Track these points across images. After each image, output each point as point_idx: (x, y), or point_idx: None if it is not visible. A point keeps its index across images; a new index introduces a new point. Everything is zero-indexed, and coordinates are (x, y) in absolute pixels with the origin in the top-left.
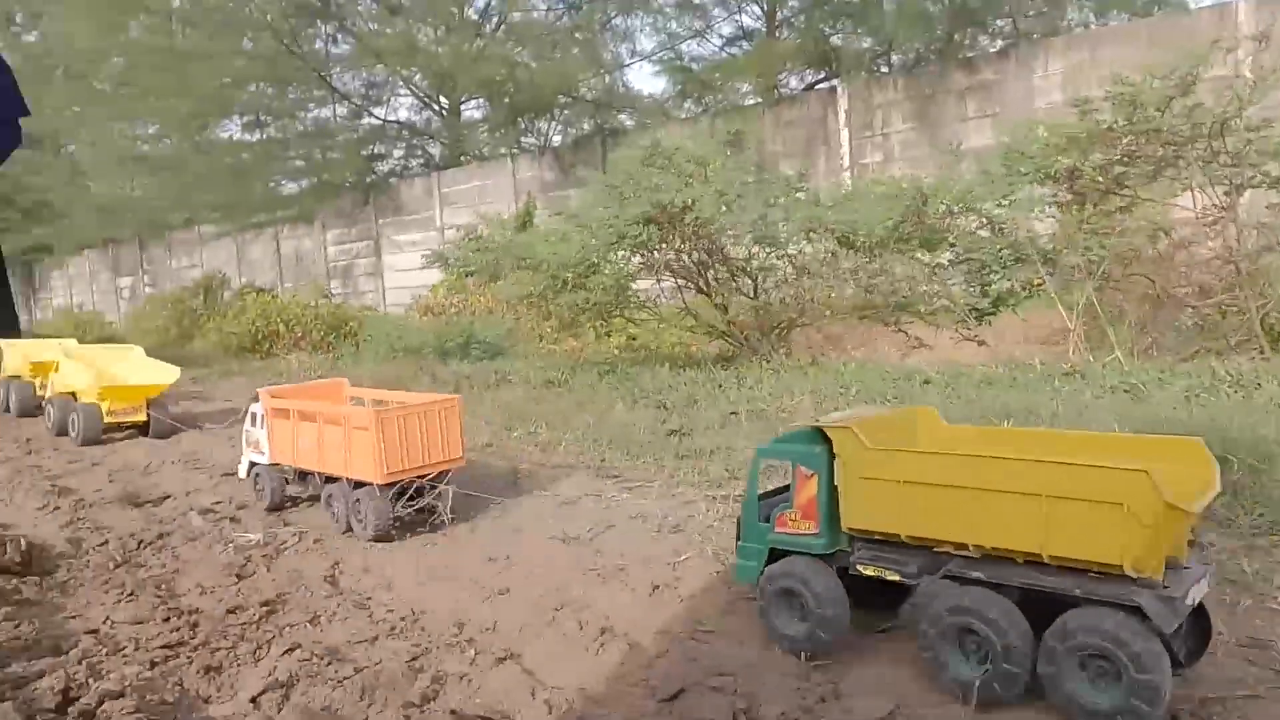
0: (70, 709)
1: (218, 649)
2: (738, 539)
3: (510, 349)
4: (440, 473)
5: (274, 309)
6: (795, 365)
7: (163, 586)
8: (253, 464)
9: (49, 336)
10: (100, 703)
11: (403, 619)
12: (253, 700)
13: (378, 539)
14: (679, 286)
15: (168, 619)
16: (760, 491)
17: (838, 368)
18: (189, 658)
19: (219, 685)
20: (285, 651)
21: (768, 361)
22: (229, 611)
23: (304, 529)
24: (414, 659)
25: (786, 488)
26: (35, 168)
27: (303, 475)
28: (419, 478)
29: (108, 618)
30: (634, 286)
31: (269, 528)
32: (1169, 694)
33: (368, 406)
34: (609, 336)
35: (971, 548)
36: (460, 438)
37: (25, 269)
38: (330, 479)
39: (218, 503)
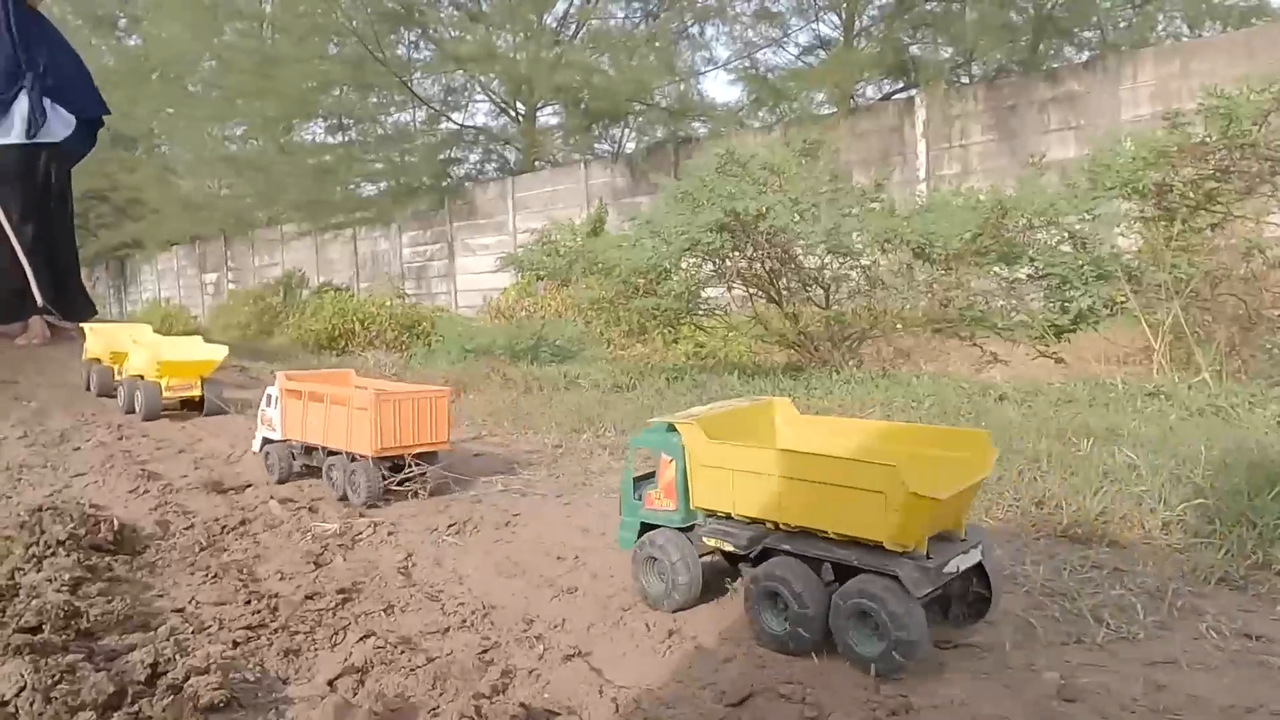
0: (159, 682)
1: (296, 633)
2: (620, 514)
3: (579, 353)
4: (428, 453)
5: (350, 307)
6: (866, 377)
7: (244, 571)
8: (266, 440)
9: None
10: (187, 677)
11: (473, 612)
12: (329, 683)
13: (368, 506)
14: (750, 295)
15: (249, 602)
16: (637, 474)
17: (910, 380)
18: (269, 640)
19: (297, 667)
20: (360, 639)
21: (838, 372)
22: (307, 598)
23: (378, 520)
24: (484, 652)
25: (654, 472)
26: (130, 166)
27: (308, 450)
28: (412, 457)
29: (193, 598)
30: (704, 294)
31: (345, 519)
32: (923, 646)
33: (370, 391)
34: (676, 344)
35: (782, 525)
36: (448, 426)
37: (118, 264)
38: (332, 453)
39: (298, 493)
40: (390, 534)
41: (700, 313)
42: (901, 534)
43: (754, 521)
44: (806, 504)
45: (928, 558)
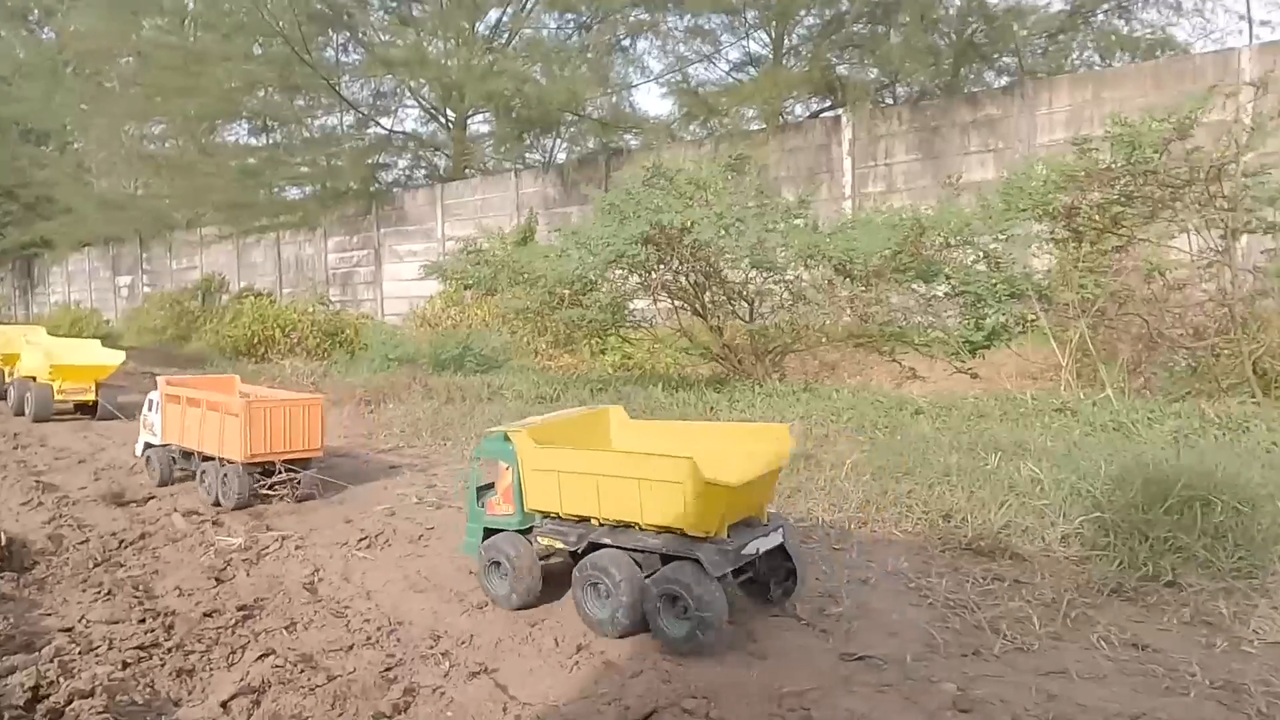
0: (39, 706)
1: (191, 652)
2: (466, 520)
3: (505, 363)
4: (303, 459)
5: (271, 314)
6: (788, 390)
7: (141, 587)
8: (147, 444)
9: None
10: (70, 701)
11: (379, 629)
12: (223, 705)
13: (238, 508)
14: (675, 308)
15: (143, 620)
16: (481, 483)
17: (830, 394)
18: (162, 660)
19: (190, 688)
20: (259, 657)
21: (761, 385)
22: (205, 615)
23: (286, 533)
24: (388, 669)
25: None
26: (40, 162)
27: (186, 454)
28: (284, 462)
29: (83, 616)
30: (630, 306)
31: (251, 532)
32: (721, 623)
33: (245, 398)
34: (604, 355)
35: (601, 520)
36: (321, 432)
37: (25, 264)
38: (206, 457)
39: (202, 505)
40: (298, 548)
41: (627, 325)
42: (700, 520)
43: (581, 520)
44: (618, 499)
45: (728, 541)
